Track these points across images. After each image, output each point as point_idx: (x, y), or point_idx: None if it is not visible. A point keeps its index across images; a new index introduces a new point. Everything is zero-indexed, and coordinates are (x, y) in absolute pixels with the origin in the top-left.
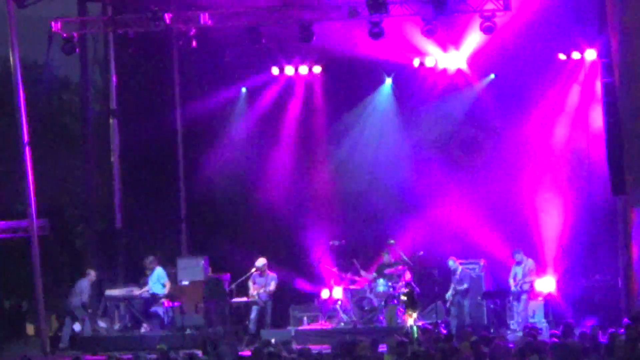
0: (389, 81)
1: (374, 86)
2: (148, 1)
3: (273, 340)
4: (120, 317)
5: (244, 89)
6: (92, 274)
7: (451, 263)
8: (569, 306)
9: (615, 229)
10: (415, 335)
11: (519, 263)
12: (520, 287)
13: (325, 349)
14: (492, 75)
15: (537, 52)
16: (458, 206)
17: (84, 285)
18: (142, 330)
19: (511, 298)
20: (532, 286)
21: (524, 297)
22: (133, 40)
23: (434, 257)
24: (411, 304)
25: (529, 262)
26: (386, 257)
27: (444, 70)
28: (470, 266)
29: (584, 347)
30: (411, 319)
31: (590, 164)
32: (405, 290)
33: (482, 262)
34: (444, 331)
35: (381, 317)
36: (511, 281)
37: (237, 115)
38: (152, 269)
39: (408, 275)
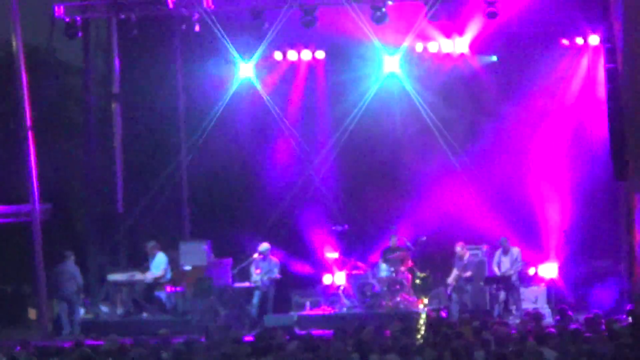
0: (391, 66)
1: (376, 71)
2: None
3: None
4: (122, 301)
5: (246, 74)
6: (72, 256)
7: (458, 249)
8: (571, 291)
9: (617, 214)
10: (423, 322)
11: (505, 252)
12: (508, 277)
13: (328, 334)
14: (495, 57)
15: (540, 37)
16: (460, 191)
17: (74, 268)
18: (144, 315)
19: (495, 286)
20: (521, 273)
21: (516, 284)
22: (136, 24)
23: (436, 242)
24: (424, 289)
25: (515, 251)
26: (393, 239)
27: (447, 56)
28: (473, 252)
29: (586, 333)
30: (422, 305)
31: (592, 150)
32: (421, 274)
33: (484, 247)
34: (445, 315)
35: (383, 303)
36: (495, 268)
37: (240, 100)
38: (154, 255)
39: (409, 263)
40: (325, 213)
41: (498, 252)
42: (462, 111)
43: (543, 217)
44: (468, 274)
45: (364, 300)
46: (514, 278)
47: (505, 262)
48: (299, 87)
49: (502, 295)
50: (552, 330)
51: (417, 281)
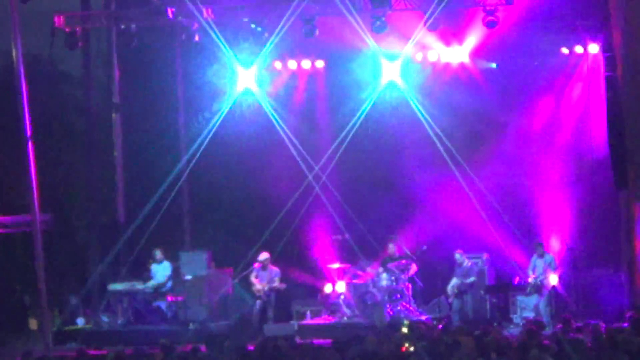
0: (391, 75)
1: (376, 80)
2: None
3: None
4: (123, 311)
5: (246, 83)
6: None
7: (458, 256)
8: (572, 300)
9: (618, 222)
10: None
11: (540, 256)
12: (541, 281)
13: (328, 343)
14: (494, 65)
15: (540, 46)
16: (461, 200)
17: None
18: (145, 324)
19: (528, 290)
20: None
21: (544, 290)
22: (136, 34)
23: (437, 251)
24: (411, 335)
25: (549, 257)
26: (391, 248)
27: (447, 65)
28: (474, 260)
29: (586, 341)
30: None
31: (592, 158)
32: (406, 321)
33: (485, 256)
34: (440, 326)
35: (385, 312)
36: (530, 272)
37: (240, 109)
38: (160, 262)
39: (413, 268)
40: (326, 222)
41: (534, 257)
42: (462, 119)
43: (544, 226)
44: (471, 279)
45: (365, 310)
46: (544, 282)
47: (540, 266)
48: (299, 96)
49: (535, 300)
50: (553, 339)
51: (404, 329)
